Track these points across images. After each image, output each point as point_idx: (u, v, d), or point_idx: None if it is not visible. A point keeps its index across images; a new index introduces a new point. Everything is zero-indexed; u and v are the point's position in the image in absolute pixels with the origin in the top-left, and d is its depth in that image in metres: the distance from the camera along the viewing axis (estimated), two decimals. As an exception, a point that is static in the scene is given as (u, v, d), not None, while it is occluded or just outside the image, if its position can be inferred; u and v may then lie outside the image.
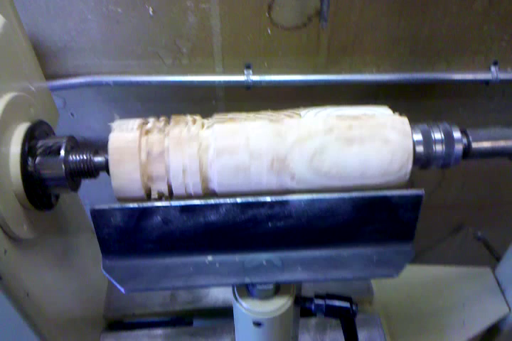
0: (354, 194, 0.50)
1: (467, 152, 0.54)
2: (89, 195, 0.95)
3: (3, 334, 0.58)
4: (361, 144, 0.50)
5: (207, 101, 0.99)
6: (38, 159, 0.53)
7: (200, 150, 0.50)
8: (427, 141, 0.53)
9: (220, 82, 0.91)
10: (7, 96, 0.53)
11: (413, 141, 0.52)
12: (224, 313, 0.88)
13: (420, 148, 0.53)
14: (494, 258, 1.11)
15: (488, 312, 0.96)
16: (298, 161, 0.50)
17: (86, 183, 0.59)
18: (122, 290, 0.51)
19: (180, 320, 0.90)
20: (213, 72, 0.94)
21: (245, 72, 0.90)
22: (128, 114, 1.01)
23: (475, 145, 0.54)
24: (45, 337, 0.60)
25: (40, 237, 0.58)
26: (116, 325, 0.90)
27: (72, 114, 1.01)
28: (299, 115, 0.52)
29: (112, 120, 0.53)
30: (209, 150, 0.50)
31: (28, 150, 0.53)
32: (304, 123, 0.51)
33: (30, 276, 0.58)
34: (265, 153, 0.50)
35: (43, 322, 0.60)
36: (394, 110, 0.53)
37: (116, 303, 0.89)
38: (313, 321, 0.86)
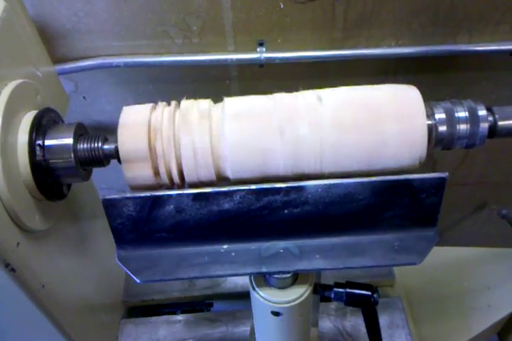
0: (373, 179, 0.48)
1: (493, 131, 0.51)
2: (106, 179, 0.94)
3: (21, 326, 0.58)
4: (372, 128, 0.48)
5: (220, 81, 0.97)
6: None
7: (212, 129, 0.49)
8: (450, 120, 0.50)
9: (232, 60, 0.88)
10: (12, 84, 0.51)
11: (429, 124, 0.50)
12: (243, 297, 0.87)
13: (443, 128, 0.50)
14: (520, 238, 1.08)
15: (514, 295, 0.94)
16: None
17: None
18: (137, 280, 0.50)
19: (199, 304, 0.90)
20: (225, 51, 0.91)
21: (258, 49, 0.87)
22: (140, 95, 0.99)
23: (501, 123, 0.51)
24: (63, 327, 0.60)
25: (53, 227, 0.58)
26: (136, 310, 0.90)
27: (84, 98, 1.00)
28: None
29: (125, 102, 0.52)
30: (220, 128, 0.49)
31: (36, 139, 0.52)
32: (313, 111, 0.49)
33: (45, 268, 0.57)
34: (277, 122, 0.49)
35: (60, 312, 0.59)
36: (414, 84, 0.50)
37: (135, 289, 0.90)
38: (332, 305, 0.85)
